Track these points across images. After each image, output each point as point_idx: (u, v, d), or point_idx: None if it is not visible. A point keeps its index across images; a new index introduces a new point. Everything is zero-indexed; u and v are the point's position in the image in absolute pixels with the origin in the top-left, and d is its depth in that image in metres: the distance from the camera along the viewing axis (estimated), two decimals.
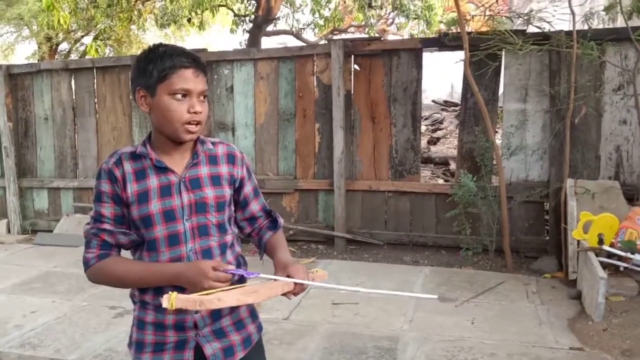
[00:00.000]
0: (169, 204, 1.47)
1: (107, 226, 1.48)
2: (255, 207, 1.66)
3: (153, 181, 1.48)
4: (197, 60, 1.47)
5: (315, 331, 3.52)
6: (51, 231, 6.31)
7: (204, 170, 1.53)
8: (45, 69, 6.53)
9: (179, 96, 1.43)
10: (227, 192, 1.56)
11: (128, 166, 1.49)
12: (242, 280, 1.47)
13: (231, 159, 1.59)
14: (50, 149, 6.56)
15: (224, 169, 1.56)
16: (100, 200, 1.48)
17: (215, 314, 1.52)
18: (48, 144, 6.56)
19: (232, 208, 1.62)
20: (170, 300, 1.23)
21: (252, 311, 1.65)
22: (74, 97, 6.43)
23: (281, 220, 1.70)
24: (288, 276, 1.42)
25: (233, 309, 1.56)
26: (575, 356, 3.13)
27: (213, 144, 1.59)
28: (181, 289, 1.34)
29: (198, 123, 1.46)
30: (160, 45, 1.50)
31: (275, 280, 1.42)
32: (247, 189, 1.63)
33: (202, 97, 1.47)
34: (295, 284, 1.41)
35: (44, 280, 4.70)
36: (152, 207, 1.46)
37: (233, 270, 1.38)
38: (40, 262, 5.27)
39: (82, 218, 6.26)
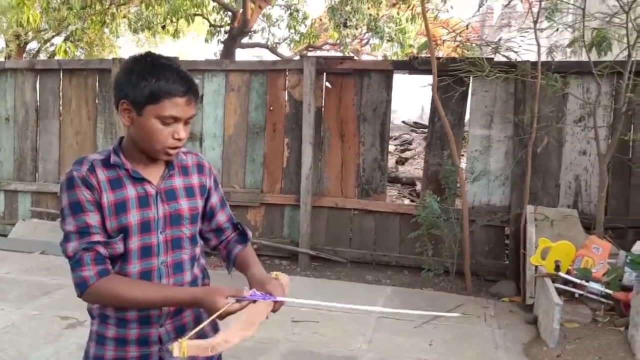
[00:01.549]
0: (147, 215, 1.43)
1: (98, 237, 1.37)
2: (221, 218, 1.62)
3: (131, 191, 1.42)
4: (192, 87, 1.40)
5: (274, 349, 3.48)
6: (6, 235, 6.08)
7: (178, 182, 1.50)
8: (10, 68, 6.35)
9: (168, 121, 1.37)
10: (200, 203, 1.54)
11: (102, 174, 1.40)
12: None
13: (200, 168, 1.57)
14: (9, 150, 6.35)
15: (195, 179, 1.54)
16: (82, 210, 1.36)
17: (180, 328, 1.50)
18: (8, 145, 6.36)
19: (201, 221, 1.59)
20: (182, 349, 1.20)
21: (215, 325, 1.61)
22: (38, 98, 6.27)
23: (249, 233, 1.67)
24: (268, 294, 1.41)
25: (197, 323, 1.52)
26: None
27: (184, 154, 1.56)
28: None
29: (179, 147, 1.43)
30: (155, 58, 1.41)
31: (270, 299, 1.41)
32: (214, 199, 1.60)
33: (189, 121, 1.42)
34: (275, 302, 1.41)
35: None
36: (131, 218, 1.40)
37: (248, 297, 1.35)
38: None
39: (39, 223, 6.07)
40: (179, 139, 1.39)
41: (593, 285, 3.92)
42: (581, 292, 3.98)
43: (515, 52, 4.76)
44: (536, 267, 4.22)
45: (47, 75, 6.23)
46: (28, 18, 8.47)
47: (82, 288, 1.36)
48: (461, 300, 4.51)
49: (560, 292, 3.86)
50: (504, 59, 4.86)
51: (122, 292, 1.36)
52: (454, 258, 4.90)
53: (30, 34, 13.34)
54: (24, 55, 13.99)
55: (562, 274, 4.02)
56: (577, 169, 4.93)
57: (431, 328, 3.90)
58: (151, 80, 1.34)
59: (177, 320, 1.50)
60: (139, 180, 1.43)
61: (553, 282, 3.97)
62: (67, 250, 1.37)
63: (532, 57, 4.81)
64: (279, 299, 1.41)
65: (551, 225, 4.57)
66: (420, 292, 4.78)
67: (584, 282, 3.95)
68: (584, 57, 5.22)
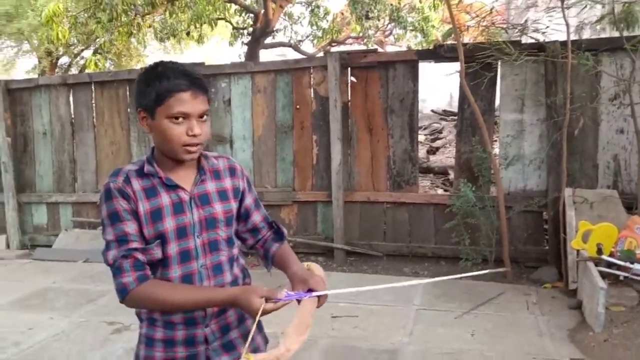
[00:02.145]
0: (182, 221, 1.47)
1: (136, 244, 1.42)
2: (257, 218, 1.65)
3: (165, 198, 1.46)
4: (196, 81, 1.43)
5: (315, 345, 3.50)
6: (50, 246, 6.30)
7: (211, 186, 1.53)
8: (44, 84, 6.55)
9: (178, 119, 1.40)
10: (234, 205, 1.57)
11: (137, 184, 1.45)
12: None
13: (232, 171, 1.60)
14: (48, 164, 6.56)
15: (227, 183, 1.57)
16: (120, 220, 1.41)
17: (225, 327, 1.54)
18: (47, 158, 6.57)
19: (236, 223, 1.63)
20: None
21: (258, 323, 1.65)
22: (72, 111, 6.45)
23: (285, 231, 1.70)
24: (309, 290, 1.44)
25: (240, 322, 1.58)
26: None
27: (215, 158, 1.59)
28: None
29: (198, 144, 1.45)
30: (159, 64, 1.46)
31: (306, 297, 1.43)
32: (248, 200, 1.63)
33: (203, 117, 1.45)
34: (319, 296, 1.43)
35: (42, 296, 4.69)
36: (167, 224, 1.45)
37: (285, 298, 1.37)
38: (38, 278, 5.25)
39: (81, 233, 6.25)
40: (194, 135, 1.42)
41: (638, 267, 3.81)
42: (626, 274, 3.86)
43: (543, 32, 4.65)
44: (577, 251, 4.12)
45: (80, 88, 6.40)
46: (57, 34, 8.70)
47: (123, 294, 1.41)
48: (502, 288, 4.45)
49: (604, 276, 3.76)
50: (532, 41, 4.75)
51: (161, 296, 1.40)
52: (492, 246, 4.82)
53: (60, 49, 13.70)
54: (56, 71, 14.40)
55: (605, 256, 3.92)
56: (615, 148, 4.79)
57: (472, 318, 3.86)
58: (155, 84, 1.40)
59: (222, 320, 1.53)
60: (172, 187, 1.47)
61: (596, 265, 3.88)
62: (107, 258, 1.43)
63: (561, 37, 4.68)
64: (314, 294, 1.42)
65: (591, 207, 4.45)
66: (459, 282, 4.71)
67: (628, 264, 3.84)
68: (615, 33, 5.07)
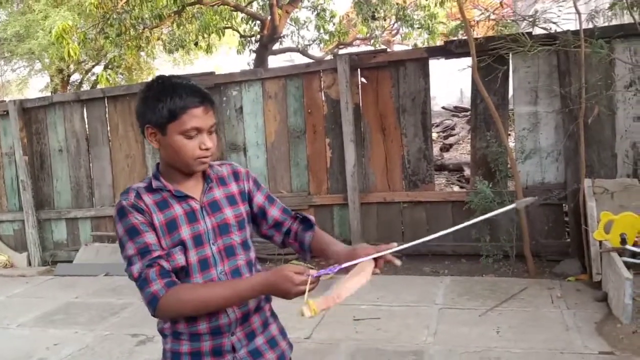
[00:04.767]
0: (197, 229, 1.48)
1: (158, 253, 1.42)
2: (275, 212, 1.65)
3: (178, 209, 1.48)
4: (207, 97, 1.46)
5: (338, 349, 3.49)
6: (71, 261, 6.36)
7: (218, 193, 1.55)
8: (58, 102, 6.63)
9: (191, 134, 1.43)
10: (243, 209, 1.58)
11: (148, 199, 1.47)
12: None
13: (236, 176, 1.62)
14: (66, 180, 6.63)
15: (234, 188, 1.59)
16: (139, 232, 1.43)
17: (250, 334, 1.54)
18: (64, 175, 6.64)
19: (251, 226, 1.62)
20: (312, 307, 1.26)
21: (282, 329, 1.66)
22: (86, 127, 6.52)
23: (312, 218, 1.68)
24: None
25: (265, 327, 1.58)
26: None
27: (219, 165, 1.62)
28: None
29: (210, 155, 1.49)
30: (166, 79, 1.48)
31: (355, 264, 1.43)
32: (259, 198, 1.63)
33: (212, 130, 1.48)
34: (376, 260, 1.44)
35: (66, 312, 4.73)
36: (184, 233, 1.46)
37: (317, 273, 1.36)
38: (61, 293, 5.30)
39: (101, 247, 6.30)
40: (207, 149, 1.45)
41: None
42: None
43: (554, 22, 4.59)
44: (600, 242, 4.06)
45: (93, 104, 6.47)
46: (68, 51, 8.81)
47: (153, 304, 1.39)
48: (525, 283, 4.39)
49: (629, 266, 3.70)
50: (543, 32, 4.70)
51: (194, 296, 1.41)
52: (512, 241, 4.77)
53: (71, 66, 13.89)
54: (68, 88, 14.59)
55: (629, 246, 3.85)
56: (633, 136, 4.71)
57: (496, 315, 3.82)
58: (166, 100, 1.41)
59: (247, 326, 1.53)
60: (182, 198, 1.50)
61: (620, 256, 3.81)
62: (132, 273, 1.42)
63: (571, 26, 4.63)
64: (345, 265, 1.42)
65: (611, 197, 4.38)
66: (481, 279, 4.67)
67: None
68: (625, 20, 5.00)
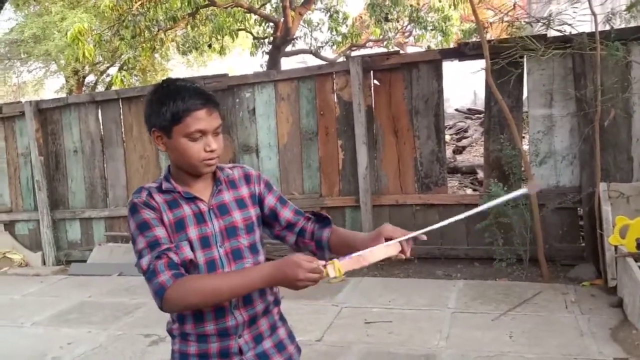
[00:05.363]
0: (205, 231, 1.49)
1: (168, 246, 1.43)
2: (287, 214, 1.64)
3: (187, 209, 1.50)
4: (210, 98, 1.47)
5: (349, 352, 3.48)
6: (85, 261, 6.41)
7: (227, 196, 1.56)
8: (73, 103, 6.70)
9: (195, 136, 1.44)
10: (252, 212, 1.58)
11: (159, 198, 1.50)
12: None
13: (247, 178, 1.62)
14: (80, 180, 6.70)
15: (244, 191, 1.59)
16: (149, 227, 1.44)
17: (258, 337, 1.54)
18: (78, 175, 6.71)
19: (261, 229, 1.62)
20: (336, 267, 1.26)
21: (290, 333, 1.66)
22: (101, 128, 6.58)
23: (328, 216, 1.66)
24: (386, 240, 1.44)
25: (272, 330, 1.58)
26: None
27: (230, 169, 1.62)
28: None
29: (216, 157, 1.49)
30: (171, 82, 1.50)
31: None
32: (271, 201, 1.63)
33: (217, 131, 1.49)
34: (401, 244, 1.44)
35: (80, 311, 4.77)
36: (191, 233, 1.48)
37: (325, 262, 1.35)
38: (75, 293, 5.35)
39: (115, 247, 6.36)
40: (212, 150, 1.46)
41: None
42: None
43: (570, 25, 4.55)
44: (616, 247, 4.01)
45: (108, 105, 6.53)
46: (84, 53, 8.90)
47: (160, 294, 1.38)
48: (539, 287, 4.35)
49: None
50: (558, 34, 4.66)
51: (201, 285, 1.40)
52: (526, 245, 4.72)
53: (87, 68, 14.04)
54: (83, 89, 14.74)
55: None
56: None
57: (509, 319, 3.78)
58: (170, 103, 1.43)
59: (254, 329, 1.53)
60: (191, 199, 1.51)
61: (636, 261, 3.76)
62: (141, 266, 1.43)
63: (587, 28, 4.58)
64: (355, 255, 1.39)
65: (627, 201, 4.33)
66: (495, 283, 4.64)
67: None
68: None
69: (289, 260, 1.34)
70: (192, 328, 1.50)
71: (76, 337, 4.11)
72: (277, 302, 1.62)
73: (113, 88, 12.21)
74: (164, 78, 1.55)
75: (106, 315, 4.58)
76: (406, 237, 1.45)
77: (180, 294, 1.37)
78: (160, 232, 1.44)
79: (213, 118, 1.46)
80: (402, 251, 1.45)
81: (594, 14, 4.34)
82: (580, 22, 4.59)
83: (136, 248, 1.45)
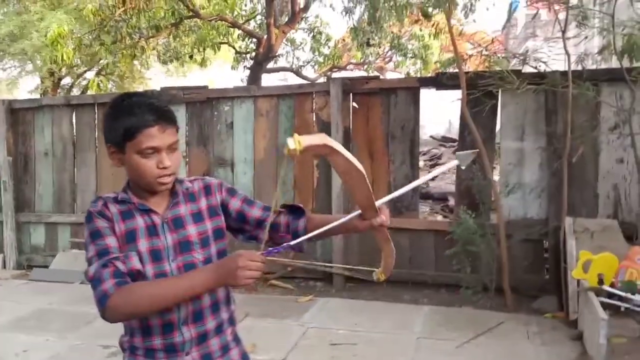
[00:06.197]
0: (156, 244, 1.47)
1: (116, 255, 1.43)
2: (256, 212, 1.60)
3: (140, 221, 1.48)
4: (163, 115, 1.45)
5: None
6: (47, 267, 6.25)
7: (184, 209, 1.54)
8: (47, 105, 6.59)
9: (148, 153, 1.43)
10: (209, 225, 1.55)
11: (114, 208, 1.49)
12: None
13: (207, 190, 1.60)
14: (49, 184, 6.56)
15: (203, 203, 1.57)
16: (101, 236, 1.44)
17: (206, 357, 1.52)
18: (47, 178, 6.56)
19: (225, 240, 1.59)
20: (297, 140, 1.23)
21: (244, 354, 1.64)
22: (74, 132, 6.48)
23: (301, 205, 1.63)
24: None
25: (224, 352, 1.55)
26: None
27: (190, 181, 1.60)
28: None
29: (171, 174, 1.47)
30: (125, 98, 1.48)
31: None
32: (235, 204, 1.60)
33: (172, 147, 1.47)
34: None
35: (38, 318, 4.63)
36: (140, 246, 1.46)
37: (266, 252, 1.36)
38: (35, 299, 5.20)
39: (79, 254, 6.21)
40: (165, 167, 1.44)
41: (639, 298, 3.78)
42: (627, 305, 3.83)
43: (544, 62, 4.71)
44: (578, 281, 4.10)
45: (83, 109, 6.44)
46: (62, 55, 8.80)
47: (103, 302, 1.37)
48: (502, 317, 4.41)
49: (605, 306, 3.73)
50: (533, 70, 4.81)
51: (144, 291, 1.38)
52: (492, 274, 4.79)
53: (63, 70, 13.83)
54: (58, 91, 14.50)
55: (606, 287, 3.89)
56: (615, 178, 4.80)
57: (473, 347, 3.82)
58: (123, 119, 1.42)
59: (203, 348, 1.51)
60: (146, 211, 1.50)
61: (597, 295, 3.85)
62: (88, 273, 1.42)
63: (560, 67, 4.74)
64: (292, 243, 1.42)
65: (591, 237, 4.44)
66: (460, 310, 4.68)
67: (629, 295, 3.81)
68: (613, 64, 5.14)
69: (229, 258, 1.36)
70: (141, 342, 1.48)
71: (33, 345, 3.98)
72: (232, 321, 1.60)
73: (89, 92, 12.06)
74: (123, 93, 1.54)
75: (65, 324, 4.45)
76: (379, 202, 1.44)
77: (121, 301, 1.36)
78: (111, 241, 1.43)
79: (166, 135, 1.44)
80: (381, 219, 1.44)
81: (567, 53, 4.50)
82: (554, 61, 4.76)
83: (87, 256, 1.45)
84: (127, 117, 1.42)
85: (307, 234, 1.49)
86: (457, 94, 5.03)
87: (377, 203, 1.43)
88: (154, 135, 1.42)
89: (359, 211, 1.45)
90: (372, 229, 1.48)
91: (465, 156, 1.59)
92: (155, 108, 1.44)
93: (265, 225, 1.50)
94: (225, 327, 1.57)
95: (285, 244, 1.42)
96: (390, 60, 14.34)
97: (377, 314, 4.57)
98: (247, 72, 11.19)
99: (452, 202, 7.65)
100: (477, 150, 2.02)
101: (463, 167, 1.66)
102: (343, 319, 4.43)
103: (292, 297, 5.02)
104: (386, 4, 7.76)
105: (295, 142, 1.21)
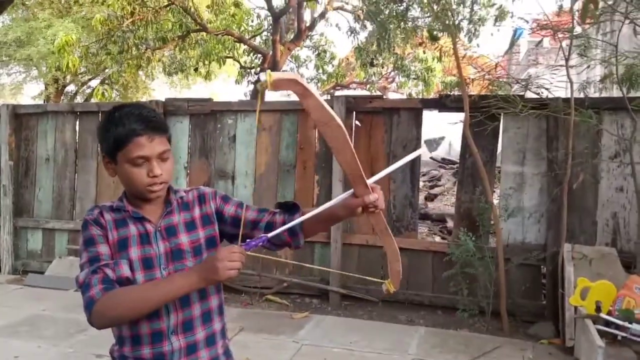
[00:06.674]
0: (148, 252, 1.49)
1: (106, 261, 1.46)
2: (251, 214, 1.61)
3: (133, 229, 1.51)
4: (151, 124, 1.47)
5: None
6: (43, 273, 6.22)
7: (178, 218, 1.56)
8: (51, 111, 6.62)
9: (138, 162, 1.46)
10: (202, 234, 1.57)
11: (108, 216, 1.52)
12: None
13: (202, 199, 1.62)
14: (49, 190, 6.56)
15: (196, 212, 1.59)
16: (94, 243, 1.47)
17: None
18: (47, 184, 6.56)
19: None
20: (268, 73, 1.21)
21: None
22: (77, 139, 6.50)
23: (293, 201, 1.63)
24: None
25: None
26: None
27: (185, 191, 1.63)
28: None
29: (162, 182, 1.49)
30: (117, 109, 1.52)
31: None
32: (230, 210, 1.62)
33: (163, 156, 1.49)
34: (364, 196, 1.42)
35: (32, 324, 4.60)
36: (132, 253, 1.48)
37: (245, 245, 1.37)
38: (29, 305, 5.16)
39: (75, 260, 6.17)
40: (155, 176, 1.47)
41: (636, 327, 3.77)
42: (624, 334, 3.82)
43: (547, 88, 4.75)
44: (576, 307, 4.09)
45: (87, 117, 6.47)
46: (68, 63, 8.86)
47: (90, 307, 1.39)
48: (498, 342, 4.38)
49: (602, 334, 3.72)
50: (535, 96, 4.86)
51: (129, 295, 1.41)
52: (489, 298, 4.78)
53: (68, 77, 13.93)
54: (62, 98, 14.57)
55: (603, 315, 3.88)
56: (614, 206, 4.82)
57: None
58: (113, 130, 1.46)
59: (192, 359, 1.51)
60: (139, 219, 1.52)
61: (594, 323, 3.84)
62: (78, 279, 1.45)
63: (563, 94, 4.79)
64: (271, 234, 1.43)
65: (590, 264, 4.44)
66: (456, 333, 4.66)
67: (626, 324, 3.80)
68: (614, 93, 5.20)
69: (209, 256, 1.41)
70: (130, 351, 1.49)
71: (25, 351, 3.95)
72: (223, 334, 1.60)
73: (93, 100, 12.11)
74: (116, 104, 1.58)
75: (58, 331, 4.42)
76: (370, 180, 1.44)
77: (107, 308, 1.38)
78: (103, 249, 1.47)
79: (156, 144, 1.47)
80: (372, 204, 1.44)
81: (570, 81, 4.55)
82: (556, 88, 4.81)
83: (80, 263, 1.48)
84: (117, 128, 1.45)
85: (303, 231, 1.56)
86: (459, 116, 5.07)
87: (369, 181, 1.42)
88: (142, 145, 1.45)
89: (352, 190, 1.43)
90: (366, 212, 1.45)
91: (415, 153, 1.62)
92: (143, 118, 1.47)
93: (246, 221, 1.55)
94: (218, 339, 1.57)
95: (262, 235, 1.42)
96: (393, 81, 14.47)
97: (372, 334, 4.54)
98: (251, 86, 11.27)
99: (450, 223, 7.66)
100: (423, 150, 2.04)
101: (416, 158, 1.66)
102: (338, 337, 4.41)
103: (288, 313, 4.99)
104: (395, 26, 7.84)
105: (267, 75, 1.20)
